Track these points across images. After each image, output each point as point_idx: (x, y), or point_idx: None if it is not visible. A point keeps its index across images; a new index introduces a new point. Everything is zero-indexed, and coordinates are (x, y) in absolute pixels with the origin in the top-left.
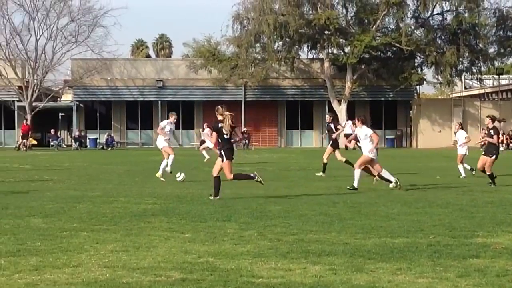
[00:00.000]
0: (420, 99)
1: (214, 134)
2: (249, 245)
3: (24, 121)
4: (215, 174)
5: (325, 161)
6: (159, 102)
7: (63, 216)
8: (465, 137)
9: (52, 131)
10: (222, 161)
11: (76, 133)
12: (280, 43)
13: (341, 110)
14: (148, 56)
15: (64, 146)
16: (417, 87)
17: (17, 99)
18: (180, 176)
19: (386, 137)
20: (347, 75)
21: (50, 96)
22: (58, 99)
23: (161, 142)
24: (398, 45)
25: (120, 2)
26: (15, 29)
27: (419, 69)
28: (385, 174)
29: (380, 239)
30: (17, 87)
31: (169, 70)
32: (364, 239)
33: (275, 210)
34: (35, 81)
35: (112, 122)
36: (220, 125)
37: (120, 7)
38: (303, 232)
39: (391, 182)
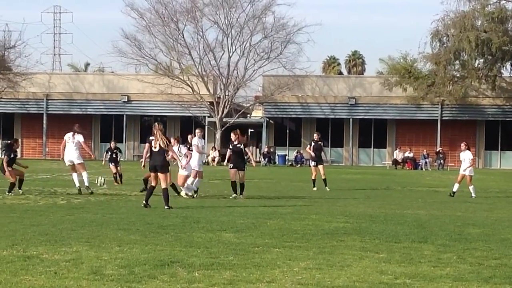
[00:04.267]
0: None
1: None
2: (448, 268)
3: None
4: None
5: None
6: (351, 119)
7: (254, 231)
8: (471, 159)
9: None
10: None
11: (265, 149)
12: (481, 60)
13: None
14: (340, 73)
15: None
16: None
17: (208, 114)
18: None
19: None
20: None
21: (240, 112)
22: (248, 115)
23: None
24: None
25: (314, 19)
26: (209, 46)
27: None
28: None
29: None
30: (208, 103)
31: (362, 87)
32: None
33: (475, 233)
34: (226, 97)
35: (302, 139)
36: None
37: (314, 24)
38: (506, 257)
39: None
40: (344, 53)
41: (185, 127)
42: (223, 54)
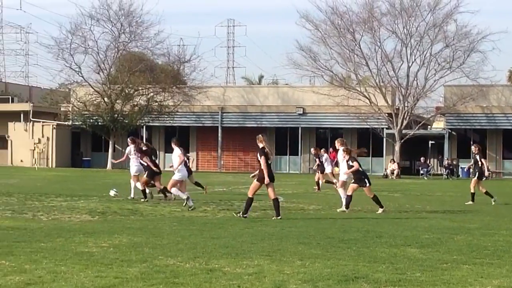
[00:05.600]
0: None
1: None
2: None
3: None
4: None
5: None
6: None
7: (441, 247)
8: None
9: (422, 159)
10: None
11: (447, 161)
12: None
13: None
14: None
15: (433, 175)
16: None
17: (386, 126)
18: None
19: None
20: None
21: (420, 123)
22: (429, 126)
23: None
24: None
25: (499, 26)
26: (387, 56)
27: None
28: None
29: None
30: (386, 114)
31: None
32: None
33: None
34: (405, 108)
35: (487, 151)
36: None
37: (499, 31)
38: None
39: None
40: None
41: (362, 139)
42: (401, 64)
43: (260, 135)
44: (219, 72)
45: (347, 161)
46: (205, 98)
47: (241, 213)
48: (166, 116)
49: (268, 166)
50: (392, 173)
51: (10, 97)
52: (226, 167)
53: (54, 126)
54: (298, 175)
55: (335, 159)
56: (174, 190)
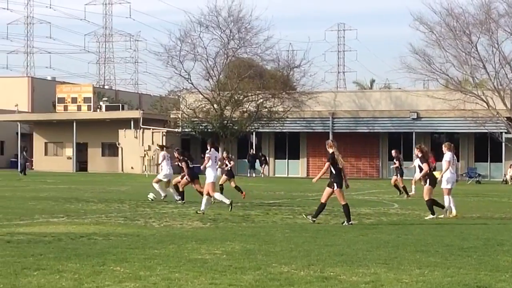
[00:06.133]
0: None
1: None
2: None
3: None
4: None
5: None
6: None
7: None
8: None
9: None
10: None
11: None
12: None
13: None
14: None
15: None
16: None
17: (505, 130)
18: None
19: None
20: None
21: None
22: None
23: None
24: None
25: None
26: (505, 58)
27: None
28: None
29: None
30: (505, 118)
31: None
32: None
33: None
34: None
35: None
36: None
37: None
38: None
39: None
40: None
41: (479, 144)
42: None
43: (329, 141)
44: (329, 77)
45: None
46: (315, 104)
47: (310, 216)
48: (275, 122)
49: (338, 171)
50: None
51: (120, 104)
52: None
53: (164, 133)
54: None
55: (434, 164)
56: (217, 195)
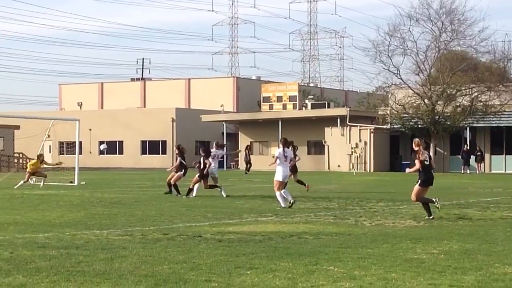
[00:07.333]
0: None
1: None
2: None
3: None
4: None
5: None
6: None
7: None
8: None
9: None
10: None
11: None
12: None
13: None
14: None
15: None
16: None
17: None
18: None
19: None
20: None
21: None
22: None
23: None
24: None
25: None
26: None
27: None
28: None
29: None
30: None
31: None
32: None
33: None
34: None
35: None
36: None
37: None
38: None
39: None
40: None
41: None
42: None
43: (417, 139)
44: None
45: None
46: None
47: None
48: (492, 116)
49: (424, 168)
50: None
51: (326, 102)
52: None
53: (372, 130)
54: None
55: None
56: (278, 195)
